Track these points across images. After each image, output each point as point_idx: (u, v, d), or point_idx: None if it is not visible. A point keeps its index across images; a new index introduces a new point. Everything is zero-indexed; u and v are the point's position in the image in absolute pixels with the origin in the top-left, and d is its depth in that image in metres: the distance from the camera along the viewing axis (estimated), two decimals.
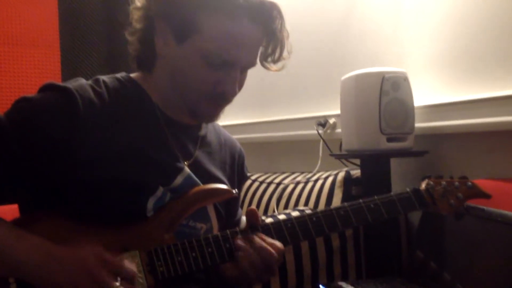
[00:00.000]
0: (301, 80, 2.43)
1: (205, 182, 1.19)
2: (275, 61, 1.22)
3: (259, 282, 1.15)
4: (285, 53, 1.22)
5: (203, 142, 1.26)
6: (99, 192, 1.06)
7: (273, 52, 1.20)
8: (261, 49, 1.19)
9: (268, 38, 1.18)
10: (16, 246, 0.98)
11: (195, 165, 1.20)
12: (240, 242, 1.08)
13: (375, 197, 1.20)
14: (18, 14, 2.81)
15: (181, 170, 1.17)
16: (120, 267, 0.99)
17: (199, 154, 1.23)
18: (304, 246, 1.70)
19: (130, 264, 1.01)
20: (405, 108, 1.69)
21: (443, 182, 1.25)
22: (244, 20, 1.10)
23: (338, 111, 1.88)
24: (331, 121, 2.18)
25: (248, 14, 1.10)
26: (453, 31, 1.75)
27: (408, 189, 1.24)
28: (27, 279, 0.98)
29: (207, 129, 1.30)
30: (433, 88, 1.82)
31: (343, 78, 1.81)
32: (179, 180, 1.15)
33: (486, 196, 1.26)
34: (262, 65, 1.23)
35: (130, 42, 1.21)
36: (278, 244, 1.10)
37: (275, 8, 1.16)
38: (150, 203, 1.11)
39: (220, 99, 1.17)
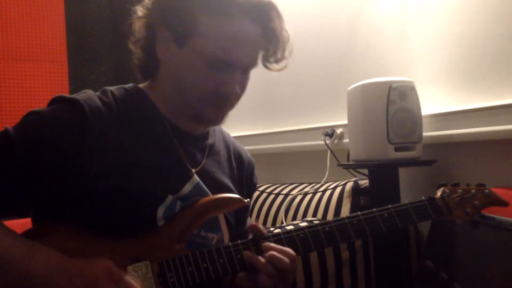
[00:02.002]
0: (308, 91, 2.44)
1: (213, 190, 1.19)
2: (277, 61, 1.23)
3: None
4: (286, 53, 1.22)
5: (211, 151, 1.26)
6: (109, 202, 1.07)
7: (275, 52, 1.21)
8: (262, 51, 1.20)
9: (268, 37, 1.18)
10: (27, 257, 0.98)
11: (203, 173, 1.20)
12: (249, 254, 1.08)
13: (389, 206, 1.18)
14: (25, 29, 2.84)
15: (189, 178, 1.17)
16: (127, 284, 0.99)
17: (207, 163, 1.23)
18: (313, 257, 1.70)
19: (136, 281, 1.01)
20: (412, 117, 1.69)
21: (459, 190, 1.23)
22: (243, 20, 1.11)
23: (345, 121, 1.88)
24: (338, 131, 2.17)
25: (246, 13, 1.11)
26: (460, 39, 1.75)
27: (423, 198, 1.22)
28: None
29: (215, 138, 1.30)
30: (441, 96, 1.82)
31: (350, 88, 1.81)
32: (187, 188, 1.15)
33: (503, 203, 1.24)
34: (264, 66, 1.23)
35: (134, 52, 1.22)
36: (288, 250, 1.10)
37: (273, 7, 1.16)
38: (160, 212, 1.10)
39: (223, 101, 1.16)
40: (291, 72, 2.41)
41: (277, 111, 2.66)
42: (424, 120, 1.72)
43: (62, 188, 1.06)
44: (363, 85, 1.74)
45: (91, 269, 0.98)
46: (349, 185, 1.89)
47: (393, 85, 1.67)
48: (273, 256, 1.07)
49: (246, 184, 1.36)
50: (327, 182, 2.03)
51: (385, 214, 1.17)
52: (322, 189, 1.99)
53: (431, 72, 1.85)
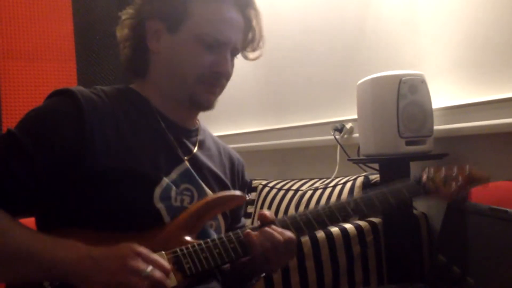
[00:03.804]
0: (317, 85, 2.43)
1: (206, 178, 1.25)
2: (254, 49, 1.31)
3: (272, 269, 1.21)
4: (261, 43, 1.30)
5: (202, 145, 1.31)
6: (108, 184, 1.10)
7: (253, 39, 1.29)
8: (243, 37, 1.27)
9: (247, 25, 1.26)
10: (51, 247, 1.00)
11: (195, 161, 1.25)
12: (248, 232, 1.14)
13: (382, 187, 1.26)
14: (34, 29, 2.85)
15: (179, 163, 1.21)
16: (155, 261, 1.01)
17: (199, 153, 1.28)
18: (325, 252, 1.69)
19: (166, 262, 1.04)
20: (423, 111, 1.68)
21: (442, 169, 1.31)
22: (230, 3, 1.21)
23: (354, 116, 1.87)
24: (348, 126, 2.17)
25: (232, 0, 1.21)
26: (470, 31, 1.73)
27: (411, 177, 1.31)
28: (64, 279, 1.00)
29: (205, 136, 1.34)
30: (451, 89, 1.80)
31: (359, 82, 1.80)
32: (175, 173, 1.20)
33: (485, 180, 1.30)
34: (242, 54, 1.30)
35: (122, 53, 1.27)
36: (285, 231, 1.15)
37: None
38: (157, 192, 1.15)
39: (216, 81, 1.23)
40: (300, 67, 2.42)
41: (286, 107, 2.65)
42: (435, 114, 1.71)
43: (66, 174, 1.09)
44: (373, 79, 1.73)
45: (118, 251, 1.00)
46: (360, 180, 1.88)
47: (403, 79, 1.66)
48: (266, 231, 1.13)
49: (238, 182, 1.39)
50: (337, 177, 2.03)
51: (378, 194, 1.25)
52: (332, 184, 1.98)
53: (441, 64, 1.83)
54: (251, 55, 1.32)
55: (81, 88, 1.18)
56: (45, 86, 2.85)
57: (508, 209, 1.25)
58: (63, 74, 2.91)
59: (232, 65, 1.26)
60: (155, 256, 1.02)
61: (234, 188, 1.35)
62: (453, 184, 1.28)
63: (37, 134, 1.09)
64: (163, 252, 1.07)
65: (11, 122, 2.67)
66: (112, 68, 2.98)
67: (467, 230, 1.41)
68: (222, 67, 1.21)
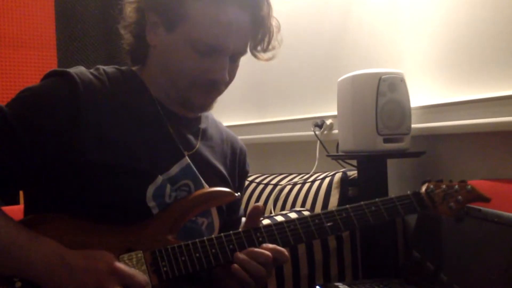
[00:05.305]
0: (298, 81, 2.44)
1: (205, 173, 1.20)
2: (264, 50, 1.23)
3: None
4: (275, 43, 1.23)
5: (204, 135, 1.26)
6: (99, 178, 1.07)
7: (262, 40, 1.21)
8: (250, 39, 1.20)
9: (256, 25, 1.18)
10: (28, 246, 0.98)
11: (196, 156, 1.21)
12: (240, 256, 1.08)
13: (376, 199, 1.20)
14: (14, 15, 2.81)
15: (179, 159, 1.17)
16: (130, 278, 0.99)
17: (201, 147, 1.23)
18: (301, 246, 1.70)
19: (143, 277, 1.01)
20: (401, 109, 1.70)
21: (443, 186, 1.25)
22: (231, 6, 1.11)
23: (335, 112, 1.88)
24: (328, 122, 2.18)
25: (236, 0, 1.12)
26: (450, 31, 1.75)
27: (408, 192, 1.24)
28: (33, 280, 0.98)
29: (208, 123, 1.30)
30: (430, 88, 1.82)
31: (340, 79, 1.81)
32: (175, 169, 1.16)
33: (485, 199, 1.26)
34: (252, 54, 1.23)
35: (124, 36, 1.22)
36: (279, 248, 1.10)
37: None
38: (150, 191, 1.11)
39: (211, 87, 1.17)
40: (282, 63, 2.42)
41: (267, 102, 2.66)
42: (413, 112, 1.73)
43: (56, 162, 1.06)
44: (353, 76, 1.74)
45: (94, 265, 0.98)
46: (338, 176, 1.89)
47: (383, 77, 1.67)
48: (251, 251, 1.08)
49: (238, 172, 1.36)
50: (316, 173, 2.04)
51: (373, 208, 1.18)
52: (311, 179, 1.99)
53: (421, 64, 1.85)
54: (263, 55, 1.23)
55: (82, 70, 1.13)
56: (25, 73, 2.81)
57: (481, 208, 1.26)
58: (43, 61, 2.88)
59: (235, 67, 1.19)
60: (131, 272, 1.00)
61: (233, 179, 1.31)
62: (452, 201, 1.23)
63: (28, 117, 1.05)
64: (141, 251, 1.05)
65: None
66: (94, 56, 2.94)
67: (441, 227, 1.43)
68: (217, 74, 1.14)
